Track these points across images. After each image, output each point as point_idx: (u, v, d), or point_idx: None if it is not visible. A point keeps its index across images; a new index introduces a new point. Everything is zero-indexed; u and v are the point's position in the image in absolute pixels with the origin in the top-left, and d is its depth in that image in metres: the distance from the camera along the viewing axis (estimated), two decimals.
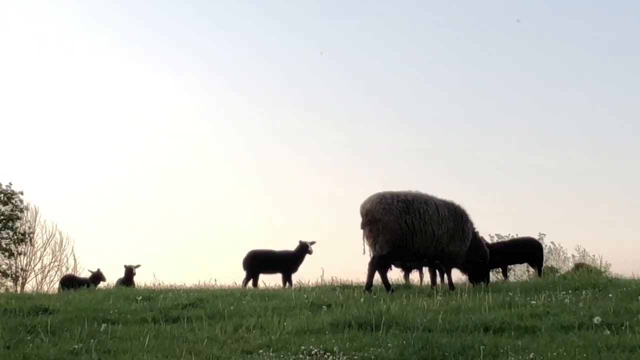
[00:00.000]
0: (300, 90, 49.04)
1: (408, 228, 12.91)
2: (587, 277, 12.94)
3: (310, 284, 16.12)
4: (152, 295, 12.99)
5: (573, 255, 27.40)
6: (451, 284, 13.58)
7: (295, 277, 17.61)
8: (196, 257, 33.01)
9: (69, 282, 19.25)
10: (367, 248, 13.21)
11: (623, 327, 8.21)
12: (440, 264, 13.89)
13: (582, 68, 46.72)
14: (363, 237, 13.22)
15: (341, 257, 28.84)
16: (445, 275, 14.02)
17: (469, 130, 46.35)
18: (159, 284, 16.87)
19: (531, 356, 6.88)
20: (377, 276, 13.17)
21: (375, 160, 44.81)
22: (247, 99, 46.77)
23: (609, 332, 7.97)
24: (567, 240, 30.23)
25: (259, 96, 47.70)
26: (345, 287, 13.86)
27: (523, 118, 46.45)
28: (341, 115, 47.64)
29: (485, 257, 14.30)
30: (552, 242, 26.72)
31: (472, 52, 46.38)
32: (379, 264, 13.14)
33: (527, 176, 44.16)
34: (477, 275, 14.24)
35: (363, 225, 13.22)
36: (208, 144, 45.24)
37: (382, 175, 39.83)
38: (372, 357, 7.10)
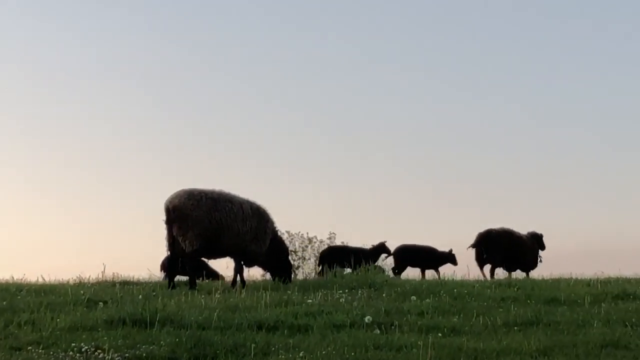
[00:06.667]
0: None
1: (218, 224, 12.99)
2: (365, 277, 13.37)
3: (91, 279, 15.70)
4: None
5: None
6: (235, 282, 13.69)
7: (76, 273, 17.33)
8: None
9: None
10: (168, 245, 13.20)
11: (392, 327, 8.60)
12: (238, 260, 13.89)
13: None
14: (169, 234, 13.11)
15: (124, 252, 28.28)
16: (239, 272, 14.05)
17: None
18: None
19: (301, 355, 7.06)
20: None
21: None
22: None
23: (378, 332, 8.32)
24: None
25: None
26: (126, 284, 13.63)
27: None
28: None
29: (287, 254, 14.83)
30: (343, 242, 26.49)
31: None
32: (190, 260, 13.22)
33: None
34: (280, 271, 14.42)
35: (169, 222, 13.07)
36: None
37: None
38: (144, 354, 7.04)
